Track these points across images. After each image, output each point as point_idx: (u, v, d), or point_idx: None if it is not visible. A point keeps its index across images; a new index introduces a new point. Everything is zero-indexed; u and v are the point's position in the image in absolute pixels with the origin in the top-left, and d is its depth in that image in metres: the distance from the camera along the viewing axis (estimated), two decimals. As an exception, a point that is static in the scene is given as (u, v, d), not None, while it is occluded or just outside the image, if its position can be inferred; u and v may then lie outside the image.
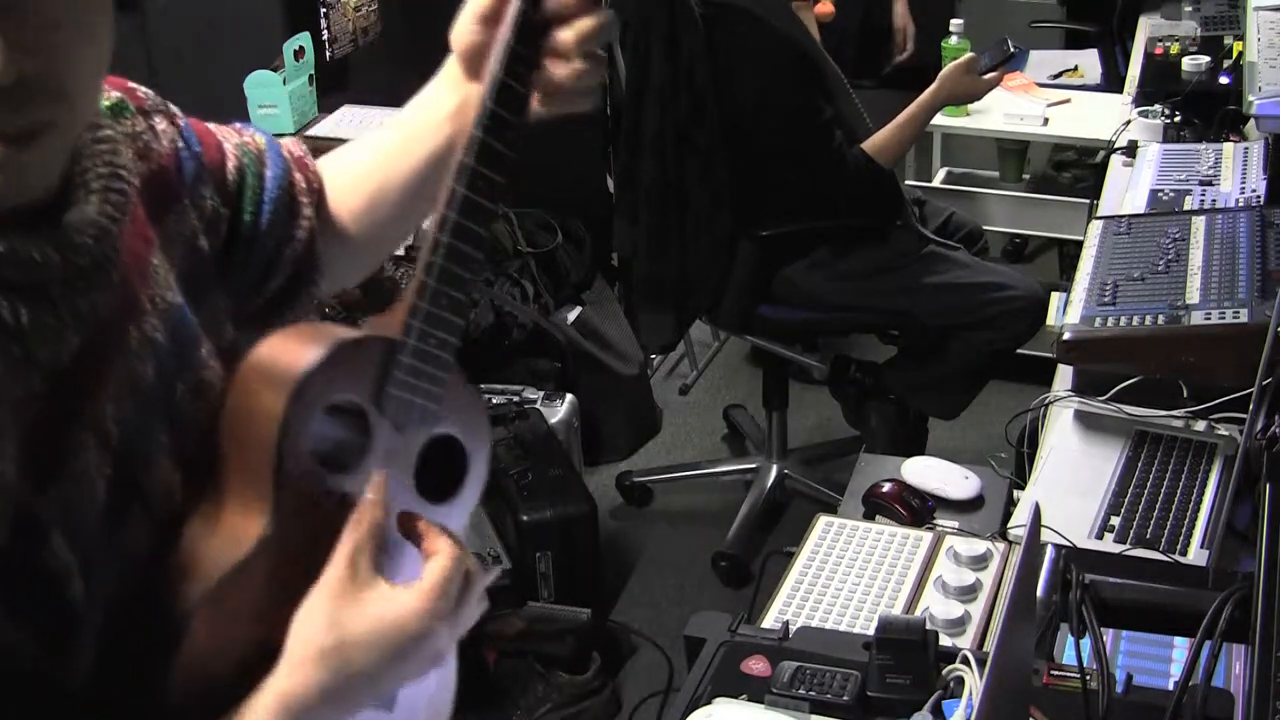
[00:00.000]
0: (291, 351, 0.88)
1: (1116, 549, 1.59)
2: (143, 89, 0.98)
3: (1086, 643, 1.25)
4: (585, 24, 0.98)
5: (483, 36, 1.03)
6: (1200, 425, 1.79)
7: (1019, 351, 2.98)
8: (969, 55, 2.91)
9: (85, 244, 0.83)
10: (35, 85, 0.75)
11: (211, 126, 1.06)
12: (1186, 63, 3.05)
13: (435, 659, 0.90)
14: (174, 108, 1.02)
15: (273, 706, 0.84)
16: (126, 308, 0.87)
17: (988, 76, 2.87)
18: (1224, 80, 2.97)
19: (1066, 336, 1.84)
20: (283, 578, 0.86)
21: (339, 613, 0.85)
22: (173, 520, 0.88)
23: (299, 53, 3.02)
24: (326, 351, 0.87)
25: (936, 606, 1.50)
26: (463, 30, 1.05)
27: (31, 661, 0.79)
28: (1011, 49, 2.85)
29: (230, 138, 1.08)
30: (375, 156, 1.15)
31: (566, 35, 0.98)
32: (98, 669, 0.83)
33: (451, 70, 1.10)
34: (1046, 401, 1.89)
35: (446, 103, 1.10)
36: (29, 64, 0.74)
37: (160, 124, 0.98)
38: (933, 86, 2.87)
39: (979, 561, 1.57)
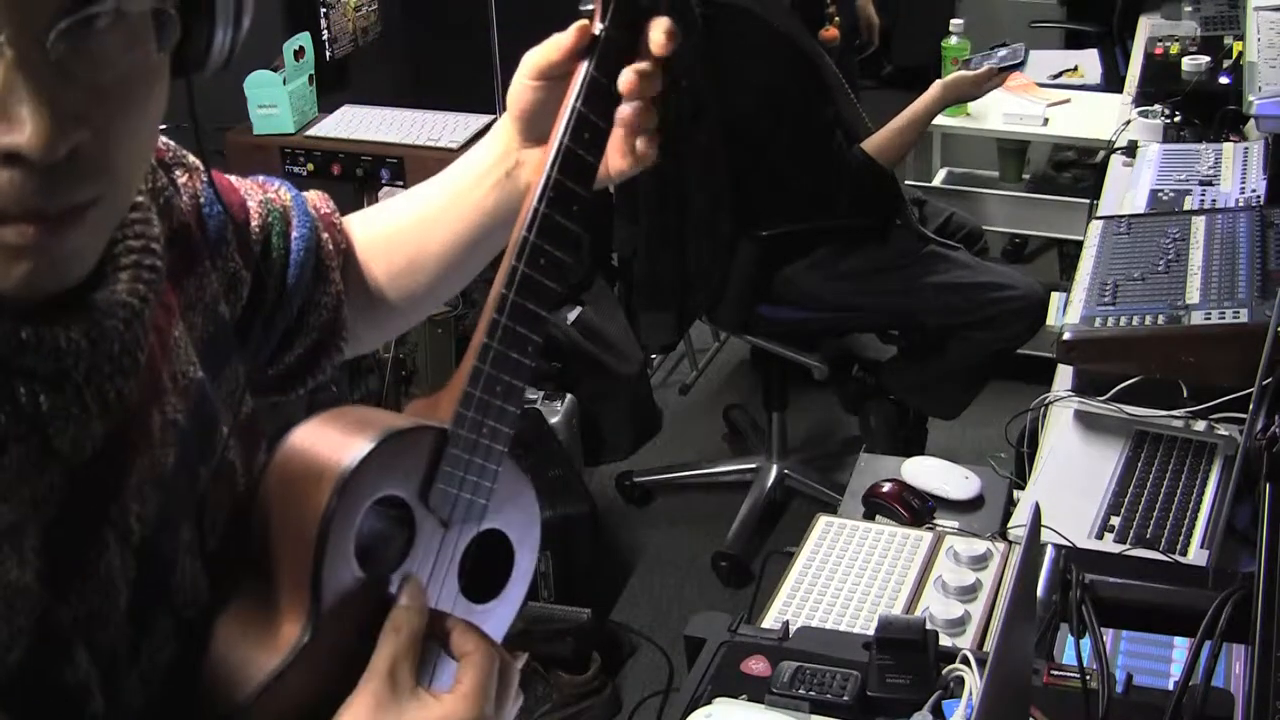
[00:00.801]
0: (334, 442, 0.80)
1: (1116, 549, 1.59)
2: (162, 139, 0.88)
3: (1086, 643, 1.25)
4: (654, 82, 0.92)
5: (543, 94, 0.97)
6: (1200, 425, 1.79)
7: (1019, 351, 2.99)
8: (984, 69, 2.88)
9: (114, 328, 0.75)
10: (82, 161, 0.67)
11: (234, 180, 1.01)
12: (1186, 63, 3.05)
13: None
14: (193, 159, 0.93)
15: None
16: (151, 392, 0.80)
17: (991, 80, 2.87)
18: (1224, 80, 2.97)
19: (1066, 336, 1.84)
20: (321, 685, 0.80)
21: None
22: (199, 620, 0.82)
23: (299, 53, 3.02)
24: (374, 444, 0.79)
25: (936, 606, 1.50)
26: (520, 88, 0.98)
27: None
28: (1018, 58, 2.85)
29: (254, 194, 1.02)
30: (416, 218, 1.08)
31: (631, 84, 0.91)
32: None
33: (504, 130, 1.03)
34: (1046, 401, 1.89)
35: (497, 167, 1.03)
36: (77, 137, 0.66)
37: (181, 178, 0.91)
38: (935, 89, 2.87)
39: (979, 561, 1.57)
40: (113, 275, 0.76)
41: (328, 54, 3.21)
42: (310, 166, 2.95)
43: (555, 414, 3.20)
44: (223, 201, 0.93)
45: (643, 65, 0.91)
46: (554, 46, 0.93)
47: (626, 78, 0.91)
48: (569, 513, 2.86)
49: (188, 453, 0.82)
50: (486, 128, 2.75)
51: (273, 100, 2.97)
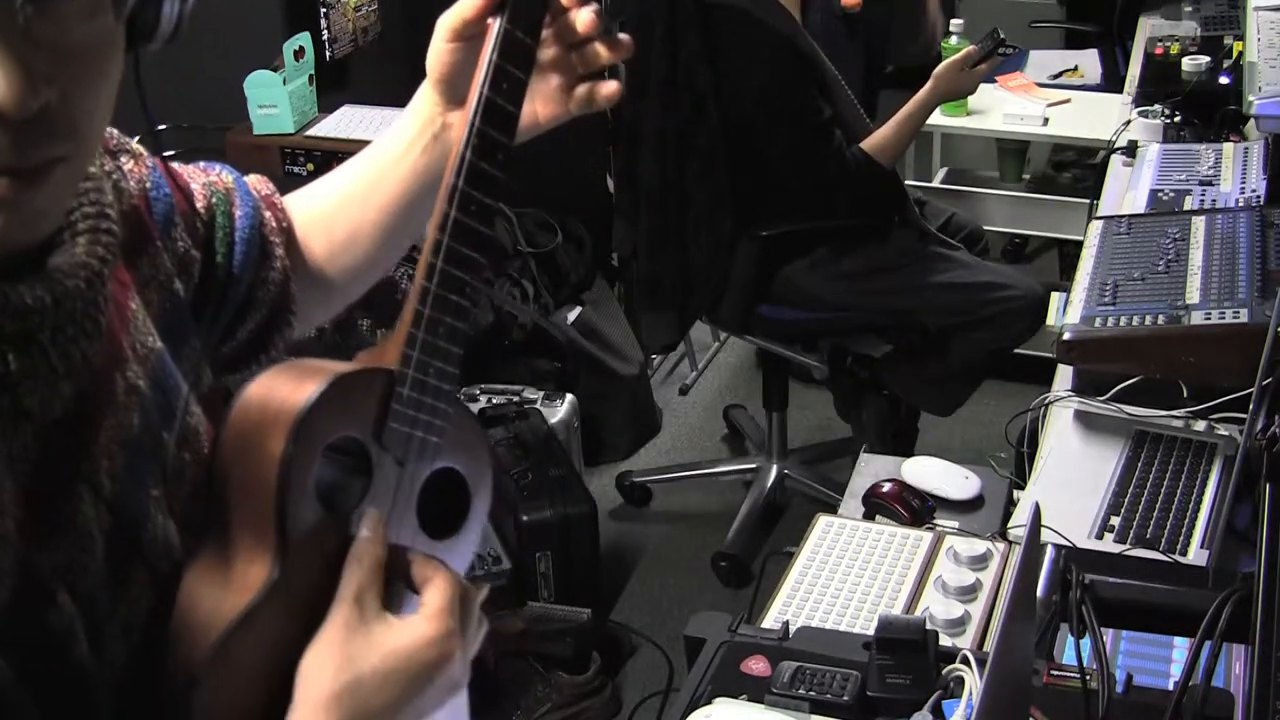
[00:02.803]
0: (287, 389, 0.83)
1: (1116, 549, 1.59)
2: (108, 129, 0.91)
3: (1086, 643, 1.25)
4: (581, 17, 0.99)
5: (460, 55, 1.01)
6: (1200, 425, 1.79)
7: (1019, 351, 2.99)
8: (964, 51, 2.92)
9: (77, 288, 0.78)
10: (50, 119, 0.71)
11: (177, 166, 1.03)
12: (1186, 63, 3.05)
13: (452, 686, 0.86)
14: (138, 146, 0.97)
15: None
16: (113, 358, 0.83)
17: (979, 68, 2.88)
18: (1224, 80, 2.97)
19: (1066, 336, 1.84)
20: (290, 624, 0.83)
21: (350, 652, 0.81)
22: (174, 576, 0.84)
23: (299, 53, 3.02)
24: (324, 387, 0.83)
25: (936, 606, 1.50)
26: (438, 51, 1.03)
27: None
28: (1000, 37, 2.87)
29: (197, 177, 1.05)
30: (350, 192, 1.12)
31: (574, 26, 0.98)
32: None
33: (427, 97, 1.07)
34: (1046, 401, 1.89)
35: (424, 133, 1.08)
36: (47, 94, 0.70)
37: (127, 164, 0.95)
38: (928, 84, 2.88)
39: (979, 561, 1.57)
40: (71, 240, 0.80)
41: (328, 54, 3.21)
42: (310, 166, 2.95)
43: (555, 414, 3.20)
44: (169, 186, 0.97)
45: (564, 17, 0.98)
46: (467, 6, 0.97)
47: (564, 27, 0.98)
48: (569, 513, 2.86)
49: (150, 418, 0.85)
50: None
51: (273, 100, 2.97)
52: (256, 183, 1.11)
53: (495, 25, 0.94)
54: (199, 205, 1.02)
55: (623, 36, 1.02)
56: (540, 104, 1.04)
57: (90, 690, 0.78)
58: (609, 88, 1.03)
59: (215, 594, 0.82)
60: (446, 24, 1.00)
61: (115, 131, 0.95)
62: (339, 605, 0.83)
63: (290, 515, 0.82)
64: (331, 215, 1.12)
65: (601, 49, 1.01)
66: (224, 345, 1.06)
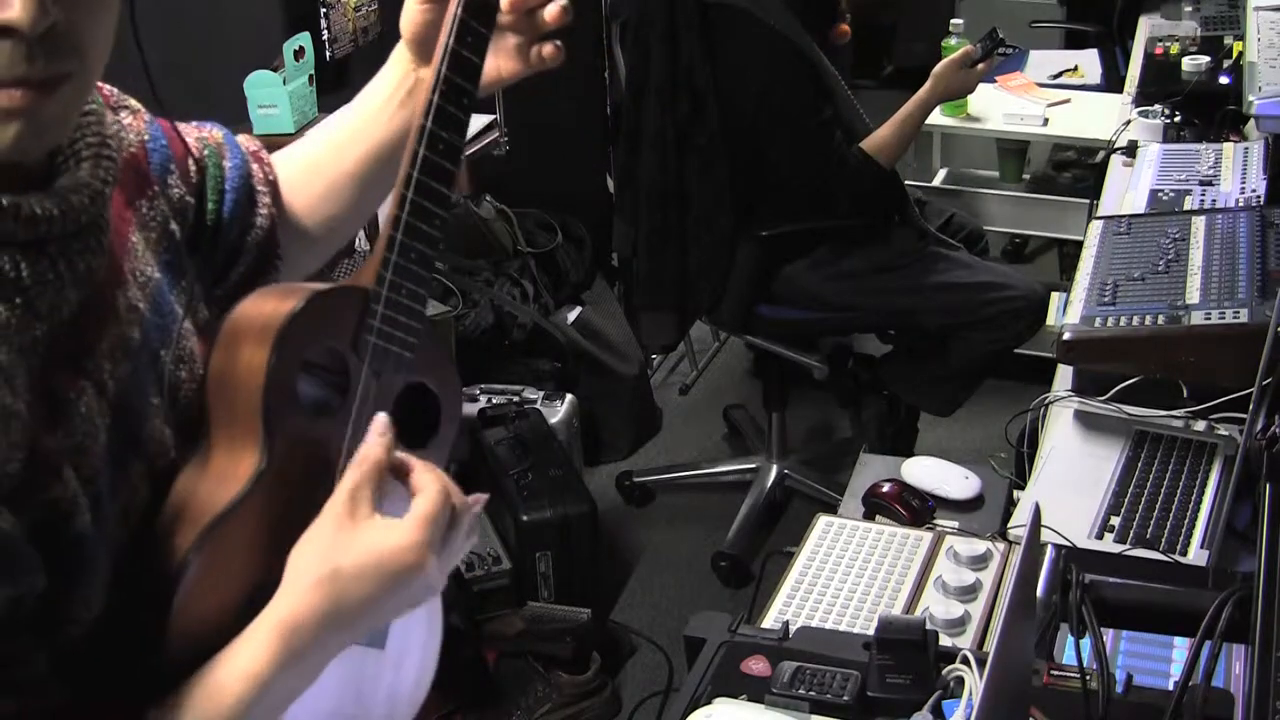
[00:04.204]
0: (271, 304, 0.92)
1: (1116, 549, 1.59)
2: (106, 85, 1.01)
3: (1086, 643, 1.25)
4: None
5: (431, 15, 1.10)
6: (1200, 425, 1.79)
7: (1019, 351, 2.99)
8: (962, 50, 2.92)
9: (82, 203, 0.86)
10: (58, 37, 0.80)
11: (169, 123, 1.10)
12: (1186, 63, 3.05)
13: (427, 590, 0.94)
14: (136, 103, 1.06)
15: (271, 631, 0.87)
16: (114, 276, 0.92)
17: (977, 67, 2.88)
18: (1224, 80, 2.97)
19: (1066, 336, 1.84)
20: (276, 519, 0.90)
21: (337, 543, 0.89)
22: (168, 473, 0.92)
23: (299, 53, 3.02)
24: (305, 300, 0.92)
25: (936, 606, 1.50)
26: (411, 12, 1.12)
27: (43, 601, 0.82)
28: (998, 36, 2.87)
29: (191, 132, 1.13)
30: (328, 148, 1.21)
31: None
32: (104, 614, 0.86)
33: (401, 57, 1.16)
34: (1046, 401, 1.89)
35: (399, 90, 1.17)
36: (55, 14, 0.79)
37: (126, 118, 1.03)
38: (927, 84, 2.88)
39: (979, 561, 1.57)
40: (75, 165, 0.89)
41: (328, 54, 3.21)
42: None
43: (555, 414, 3.20)
44: (165, 138, 1.06)
45: None
46: None
47: None
48: (569, 513, 2.86)
49: (149, 336, 0.94)
50: (487, 127, 2.76)
51: (273, 100, 2.97)
52: (245, 140, 1.20)
53: None
54: (193, 157, 1.10)
55: (560, 2, 1.11)
56: (503, 60, 1.14)
57: (91, 559, 0.85)
58: (548, 49, 1.13)
59: (207, 487, 0.90)
60: None
61: (114, 89, 1.03)
62: (335, 499, 0.91)
63: (275, 414, 0.90)
64: (312, 169, 1.21)
65: (547, 13, 1.11)
66: (217, 287, 1.14)
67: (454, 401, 1.06)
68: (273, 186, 1.18)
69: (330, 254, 1.28)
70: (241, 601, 0.89)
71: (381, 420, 0.96)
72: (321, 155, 1.21)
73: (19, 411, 0.81)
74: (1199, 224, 2.11)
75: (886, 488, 1.81)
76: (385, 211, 1.02)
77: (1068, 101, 3.67)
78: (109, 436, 0.88)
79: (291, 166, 1.21)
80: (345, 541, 0.89)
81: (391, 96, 1.17)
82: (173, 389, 0.95)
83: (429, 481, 0.95)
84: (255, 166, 1.16)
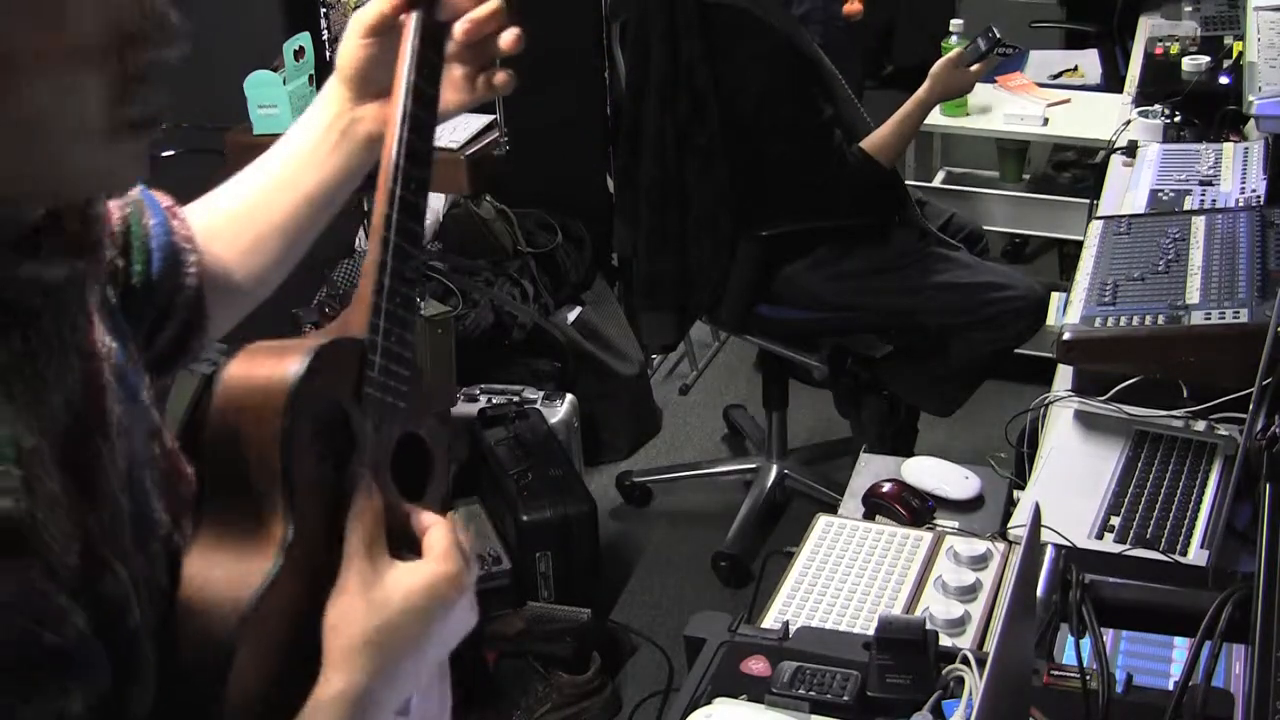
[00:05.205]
0: (268, 367, 0.87)
1: (1116, 549, 1.59)
2: None
3: (1086, 643, 1.25)
4: (481, 13, 1.06)
5: (374, 50, 1.08)
6: (1200, 425, 1.79)
7: (1019, 351, 2.99)
8: (957, 49, 2.92)
9: (76, 268, 0.82)
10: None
11: None
12: (1186, 63, 3.05)
13: (466, 619, 0.93)
14: None
15: (337, 708, 0.84)
16: (91, 344, 0.86)
17: (974, 67, 2.88)
18: (1224, 80, 2.96)
19: (1066, 336, 1.84)
20: (301, 584, 0.86)
21: (374, 597, 0.87)
22: (173, 555, 0.87)
23: (299, 53, 3.02)
24: (310, 358, 0.87)
25: (936, 606, 1.50)
26: (352, 48, 1.09)
27: (102, 702, 0.76)
28: (996, 36, 2.87)
29: None
30: (257, 197, 1.15)
31: (468, 29, 1.06)
32: (152, 711, 0.82)
33: (336, 95, 1.12)
34: (1046, 401, 1.89)
35: (332, 130, 1.12)
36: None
37: None
38: (926, 83, 2.88)
39: (979, 561, 1.57)
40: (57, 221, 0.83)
41: (328, 54, 3.20)
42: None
43: (555, 414, 3.20)
44: None
45: (473, 14, 1.06)
46: (384, 2, 1.06)
47: (461, 25, 1.06)
48: (569, 513, 2.86)
49: (125, 411, 0.88)
50: (487, 127, 2.75)
51: (273, 100, 2.97)
52: (159, 195, 1.13)
53: (413, 17, 1.03)
54: (115, 215, 1.04)
55: (514, 30, 1.09)
56: (449, 92, 1.11)
57: (144, 653, 0.81)
58: (500, 76, 1.12)
59: (230, 563, 0.85)
60: (363, 21, 1.08)
61: None
62: (351, 559, 0.87)
63: (294, 481, 0.86)
64: (239, 219, 1.15)
65: (503, 41, 1.09)
66: (144, 354, 1.07)
67: (443, 451, 1.03)
68: (192, 243, 1.10)
69: (253, 307, 1.20)
70: (284, 670, 0.85)
71: (363, 475, 0.91)
72: (249, 206, 1.15)
73: (59, 495, 0.75)
74: (1199, 224, 2.11)
75: (886, 488, 1.81)
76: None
77: (1068, 101, 3.67)
78: (130, 517, 0.83)
79: (216, 217, 1.14)
80: (383, 592, 0.87)
81: (324, 138, 1.13)
82: (150, 464, 0.89)
83: (433, 520, 0.93)
84: (176, 223, 1.09)
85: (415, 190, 0.98)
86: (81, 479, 0.78)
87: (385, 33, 1.06)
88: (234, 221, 1.14)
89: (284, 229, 1.14)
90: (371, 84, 1.09)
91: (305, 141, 1.14)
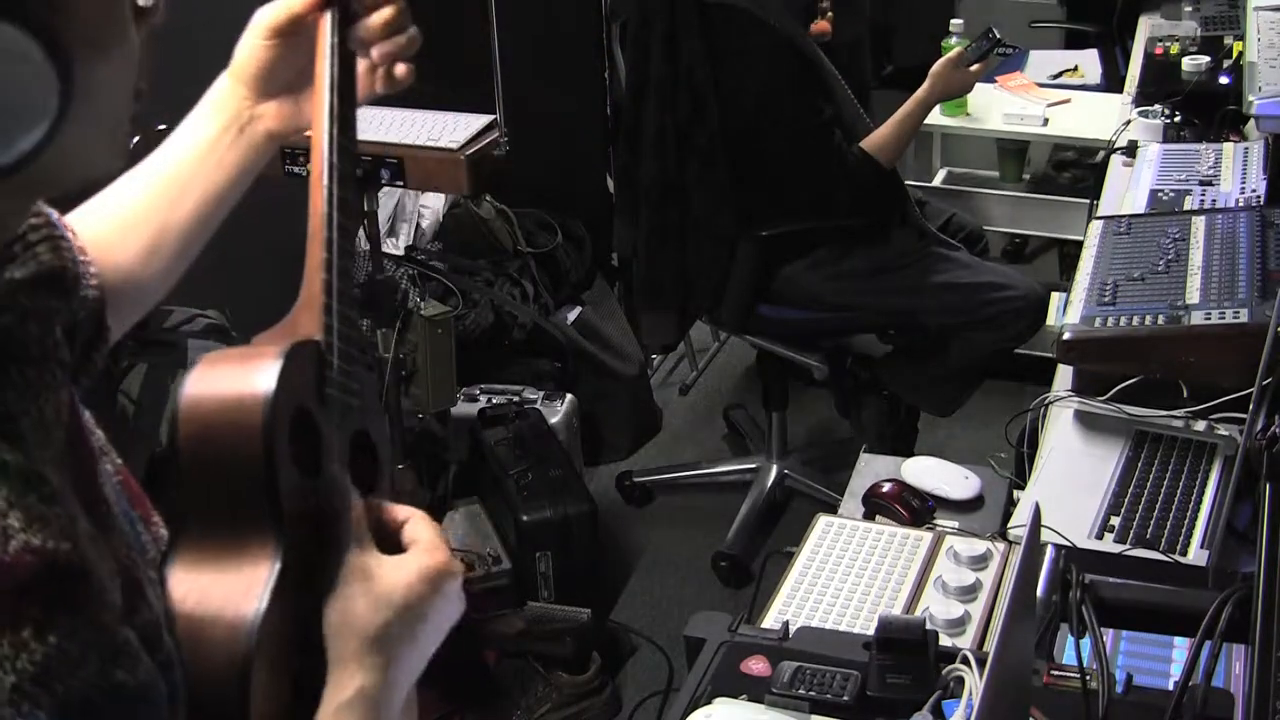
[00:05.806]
0: (232, 379, 0.85)
1: (1116, 549, 1.59)
2: None
3: (1086, 643, 1.25)
4: (388, 12, 1.08)
5: (277, 50, 1.09)
6: (1200, 425, 1.79)
7: (1019, 351, 2.99)
8: (956, 49, 2.92)
9: (46, 302, 0.82)
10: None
11: None
12: (1186, 63, 3.05)
13: (457, 608, 0.93)
14: None
15: (359, 710, 0.84)
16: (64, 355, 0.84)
17: (974, 67, 2.88)
18: (1224, 80, 2.96)
19: (1066, 336, 1.84)
20: (292, 590, 0.85)
21: (375, 594, 0.87)
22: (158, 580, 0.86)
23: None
24: (281, 367, 0.85)
25: (936, 606, 1.50)
26: (254, 48, 1.10)
27: None
28: (995, 35, 2.87)
29: None
30: (154, 198, 1.13)
31: (377, 22, 1.08)
32: None
33: (230, 95, 1.12)
34: (1046, 401, 1.89)
35: (229, 130, 1.12)
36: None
37: None
38: (925, 83, 2.88)
39: (979, 561, 1.57)
40: (27, 252, 0.84)
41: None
42: (310, 167, 2.94)
43: (555, 414, 3.20)
44: None
45: (380, 14, 1.08)
46: (297, 3, 1.07)
47: (369, 24, 1.08)
48: (569, 513, 2.86)
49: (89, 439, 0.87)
50: (487, 127, 2.75)
51: (273, 100, 2.97)
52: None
53: (327, 16, 1.05)
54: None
55: (412, 30, 1.12)
56: (363, 81, 1.12)
57: (177, 683, 0.79)
58: (400, 69, 1.13)
59: (222, 583, 0.83)
60: (268, 22, 1.09)
61: None
62: (347, 559, 0.88)
63: (279, 492, 0.85)
64: (134, 223, 1.13)
65: (398, 39, 1.11)
66: None
67: (387, 445, 1.04)
68: (85, 254, 1.04)
69: (146, 311, 1.18)
70: (287, 678, 0.85)
71: (338, 477, 0.91)
72: (146, 209, 1.13)
73: (91, 530, 0.74)
74: (1199, 224, 2.11)
75: (886, 488, 1.81)
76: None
77: (1068, 101, 3.67)
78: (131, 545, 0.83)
79: (110, 218, 1.12)
80: (383, 588, 0.87)
81: (220, 137, 1.12)
82: (117, 483, 0.87)
83: (411, 513, 0.94)
84: (70, 233, 1.03)
85: (346, 186, 1.00)
86: (95, 513, 0.77)
87: (292, 33, 1.08)
88: (126, 226, 1.12)
89: (184, 229, 1.13)
90: (273, 83, 1.11)
91: (200, 141, 1.13)
